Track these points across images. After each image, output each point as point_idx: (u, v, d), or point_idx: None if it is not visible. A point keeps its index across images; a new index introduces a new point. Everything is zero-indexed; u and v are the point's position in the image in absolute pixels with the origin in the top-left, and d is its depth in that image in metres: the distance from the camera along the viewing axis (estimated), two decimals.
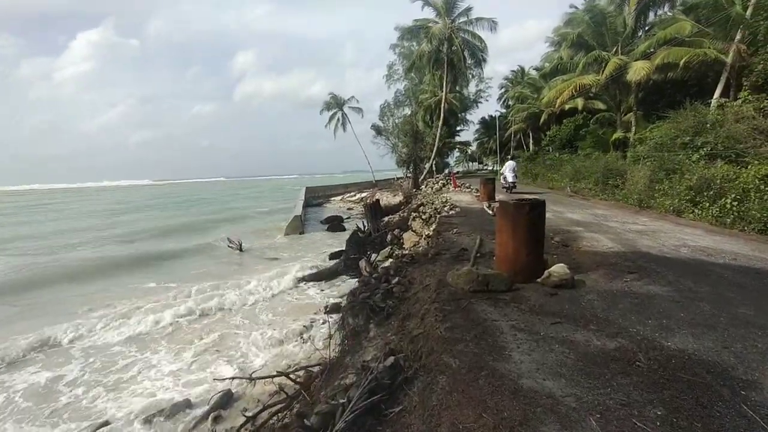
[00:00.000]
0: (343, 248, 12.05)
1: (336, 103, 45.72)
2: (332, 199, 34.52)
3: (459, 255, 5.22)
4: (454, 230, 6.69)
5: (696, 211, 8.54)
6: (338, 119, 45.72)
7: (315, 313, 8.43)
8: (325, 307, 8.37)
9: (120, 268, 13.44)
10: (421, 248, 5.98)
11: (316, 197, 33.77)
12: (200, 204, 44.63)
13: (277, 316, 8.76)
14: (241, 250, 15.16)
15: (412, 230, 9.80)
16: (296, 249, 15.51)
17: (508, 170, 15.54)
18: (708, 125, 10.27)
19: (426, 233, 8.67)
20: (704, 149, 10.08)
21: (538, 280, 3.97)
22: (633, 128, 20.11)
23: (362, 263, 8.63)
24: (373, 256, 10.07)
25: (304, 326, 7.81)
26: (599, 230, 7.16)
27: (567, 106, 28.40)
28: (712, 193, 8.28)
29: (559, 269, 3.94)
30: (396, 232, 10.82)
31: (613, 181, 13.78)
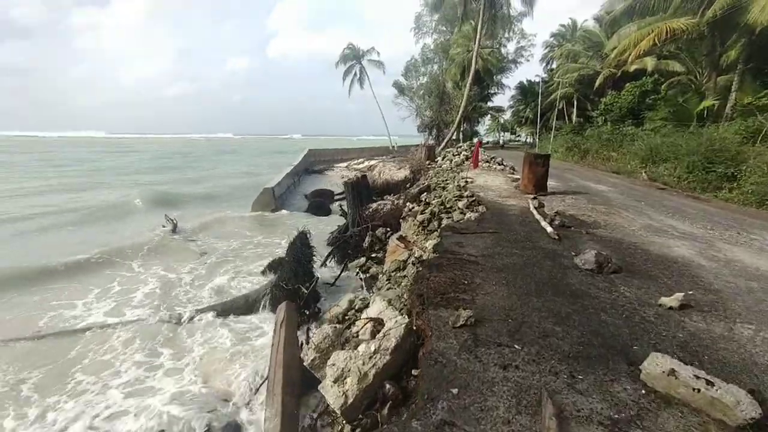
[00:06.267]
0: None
1: (353, 55, 40.54)
2: (337, 165, 30.27)
3: None
4: (464, 312, 2.43)
5: None
6: (355, 73, 40.72)
7: None
8: None
9: None
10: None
11: (319, 162, 29.59)
12: None
13: None
14: (174, 231, 11.25)
15: (400, 237, 5.83)
16: (243, 238, 11.15)
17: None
18: None
19: (418, 251, 4.76)
20: None
21: None
22: (733, 93, 14.78)
23: (281, 313, 3.83)
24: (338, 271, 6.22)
25: None
26: None
27: (632, 68, 22.58)
28: None
29: None
30: (380, 231, 6.91)
31: (723, 168, 9.17)
